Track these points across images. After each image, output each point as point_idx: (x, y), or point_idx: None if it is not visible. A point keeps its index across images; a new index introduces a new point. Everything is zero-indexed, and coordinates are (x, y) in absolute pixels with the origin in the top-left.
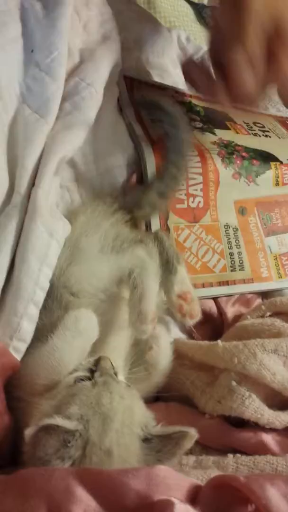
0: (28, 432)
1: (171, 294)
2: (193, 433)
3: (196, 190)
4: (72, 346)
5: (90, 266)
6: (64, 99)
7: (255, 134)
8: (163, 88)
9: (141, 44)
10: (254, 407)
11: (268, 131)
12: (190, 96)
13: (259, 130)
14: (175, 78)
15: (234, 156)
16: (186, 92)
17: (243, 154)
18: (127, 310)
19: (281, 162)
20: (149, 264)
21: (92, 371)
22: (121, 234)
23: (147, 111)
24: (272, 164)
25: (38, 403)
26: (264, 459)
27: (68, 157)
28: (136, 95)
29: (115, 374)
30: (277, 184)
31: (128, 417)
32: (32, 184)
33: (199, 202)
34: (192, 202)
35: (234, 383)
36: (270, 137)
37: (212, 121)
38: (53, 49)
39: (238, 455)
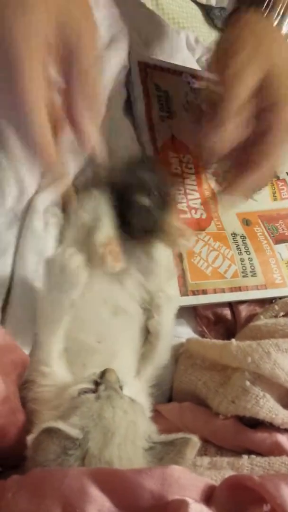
0: (31, 436)
1: None
2: (196, 440)
3: (196, 204)
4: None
5: None
6: None
7: None
8: (179, 73)
9: (150, 46)
10: (268, 407)
11: None
12: (208, 79)
13: None
14: None
15: (229, 174)
16: (204, 76)
17: None
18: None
19: (278, 178)
20: None
21: (97, 384)
22: None
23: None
24: None
25: (41, 413)
26: (279, 460)
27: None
28: (149, 85)
29: (121, 387)
30: (275, 199)
31: (131, 432)
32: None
33: (202, 214)
34: (195, 213)
35: (248, 383)
36: None
37: None
38: None
39: (253, 456)
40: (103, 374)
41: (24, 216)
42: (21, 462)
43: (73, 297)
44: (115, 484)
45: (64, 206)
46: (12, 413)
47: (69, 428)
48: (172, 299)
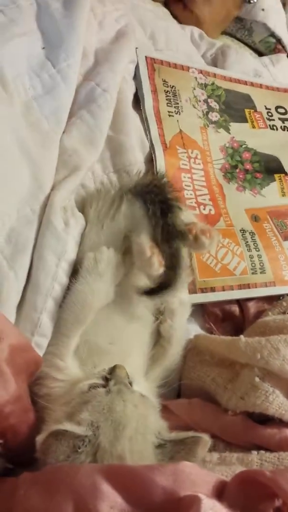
0: (39, 438)
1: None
2: (207, 439)
3: (205, 199)
4: (93, 289)
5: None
6: (80, 105)
7: (272, 127)
8: (186, 68)
9: (156, 40)
10: (278, 403)
11: None
12: (214, 75)
13: (278, 119)
14: None
15: (237, 170)
16: (210, 71)
17: (247, 167)
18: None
19: (286, 173)
20: None
21: (107, 380)
22: None
23: None
24: (276, 176)
25: (52, 410)
26: None
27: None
28: (156, 81)
29: (130, 383)
30: (283, 195)
31: (142, 425)
32: (51, 189)
33: (210, 210)
34: (204, 209)
35: (257, 379)
36: None
37: (231, 109)
38: (70, 54)
39: (262, 451)
40: (112, 370)
41: (43, 214)
42: (32, 460)
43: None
44: (127, 480)
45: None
46: (24, 412)
47: (76, 427)
48: (185, 303)
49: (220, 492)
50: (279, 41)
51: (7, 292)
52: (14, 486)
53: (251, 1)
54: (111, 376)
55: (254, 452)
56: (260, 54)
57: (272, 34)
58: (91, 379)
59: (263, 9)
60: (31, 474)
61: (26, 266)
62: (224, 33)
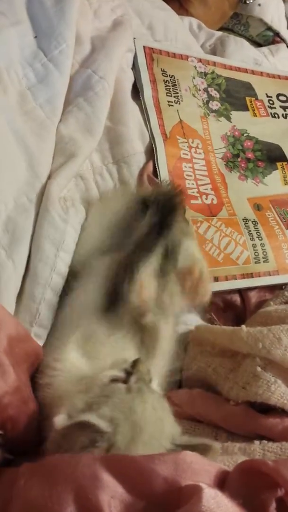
0: (60, 422)
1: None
2: (217, 448)
3: (207, 189)
4: None
5: None
6: (77, 93)
7: (273, 115)
8: (185, 58)
9: (154, 30)
10: (280, 392)
11: None
12: (214, 64)
13: (280, 106)
14: None
15: (239, 159)
16: (210, 60)
17: (249, 155)
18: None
19: None
20: None
21: (127, 373)
22: None
23: None
24: (279, 164)
25: (65, 397)
26: None
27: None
28: (155, 70)
29: (150, 380)
30: (286, 183)
31: (158, 430)
32: (47, 177)
33: (213, 199)
34: (206, 199)
35: (259, 368)
36: None
37: (232, 97)
38: (61, 41)
39: (265, 441)
40: (134, 364)
41: (40, 203)
42: (31, 449)
43: None
44: (127, 470)
45: None
46: (23, 403)
47: (101, 421)
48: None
49: (222, 482)
50: (277, 34)
51: (5, 282)
52: (14, 477)
53: (247, 1)
54: (133, 370)
55: (257, 442)
56: (259, 45)
57: (270, 28)
58: (112, 370)
59: (259, 4)
60: (31, 465)
61: (24, 256)
62: (221, 28)
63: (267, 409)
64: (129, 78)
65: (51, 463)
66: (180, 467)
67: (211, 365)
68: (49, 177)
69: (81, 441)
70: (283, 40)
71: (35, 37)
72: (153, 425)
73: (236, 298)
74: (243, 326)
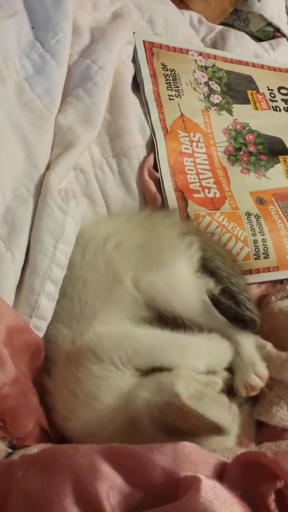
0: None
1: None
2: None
3: (209, 183)
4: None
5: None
6: (76, 84)
7: (275, 108)
8: (185, 51)
9: (154, 24)
10: (281, 415)
11: None
12: (215, 57)
13: (281, 100)
14: None
15: (241, 152)
16: (211, 53)
17: (251, 149)
18: None
19: None
20: None
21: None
22: None
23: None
24: (281, 158)
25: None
26: (286, 442)
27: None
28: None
29: None
30: None
31: None
32: (46, 168)
33: (215, 193)
34: (208, 192)
35: (264, 388)
36: None
37: (233, 90)
38: (58, 30)
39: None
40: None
41: (38, 194)
42: (33, 444)
43: None
44: (126, 460)
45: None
46: (22, 395)
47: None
48: None
49: (221, 473)
50: (277, 30)
51: (4, 274)
52: (12, 468)
53: None
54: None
55: (252, 445)
56: (260, 41)
57: (270, 24)
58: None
59: (259, 0)
60: (30, 455)
61: (23, 247)
62: (221, 24)
63: None
64: (130, 71)
65: (49, 453)
66: (178, 458)
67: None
68: (47, 168)
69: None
70: (283, 35)
71: (32, 28)
72: None
73: None
74: (269, 344)
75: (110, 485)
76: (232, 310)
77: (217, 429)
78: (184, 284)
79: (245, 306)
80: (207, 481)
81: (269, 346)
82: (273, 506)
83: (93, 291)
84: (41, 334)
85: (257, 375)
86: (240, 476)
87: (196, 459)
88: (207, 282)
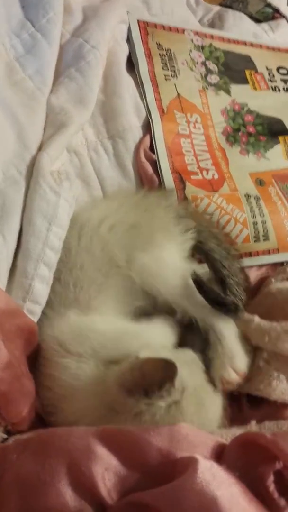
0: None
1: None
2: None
3: (207, 164)
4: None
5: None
6: (68, 64)
7: (274, 88)
8: (181, 31)
9: (150, 4)
10: (281, 389)
11: None
12: (212, 37)
13: (280, 80)
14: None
15: (240, 133)
16: (207, 33)
17: (250, 130)
18: None
19: None
20: None
21: None
22: None
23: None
24: (281, 138)
25: None
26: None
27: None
28: (150, 44)
29: None
30: None
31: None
32: (38, 149)
33: (213, 174)
34: (207, 174)
35: (261, 362)
36: None
37: (231, 70)
38: (48, 9)
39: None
40: None
41: (30, 175)
42: (28, 429)
43: None
44: (122, 442)
45: None
46: (16, 379)
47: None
48: None
49: (219, 454)
50: (277, 11)
51: None
52: (6, 451)
53: None
54: None
55: (253, 422)
56: (259, 22)
57: (269, 5)
58: None
59: None
60: (23, 439)
61: (15, 230)
62: (220, 5)
63: None
64: (124, 51)
65: (43, 436)
66: (175, 439)
67: None
68: (39, 149)
69: (155, 379)
70: (283, 16)
71: (23, 7)
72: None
73: None
74: (256, 317)
75: (106, 467)
76: (213, 293)
77: (167, 365)
78: (171, 268)
79: (231, 290)
80: (204, 462)
81: (257, 319)
82: (272, 487)
83: (90, 277)
84: (35, 319)
85: (235, 369)
86: (238, 457)
87: (194, 440)
88: (196, 267)
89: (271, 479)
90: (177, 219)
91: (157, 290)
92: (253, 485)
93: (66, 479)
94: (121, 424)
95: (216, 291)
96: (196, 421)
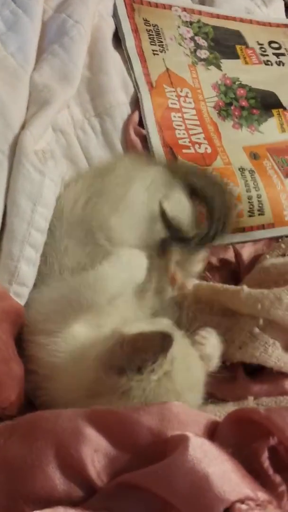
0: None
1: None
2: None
3: (199, 138)
4: (119, 278)
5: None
6: (51, 40)
7: (266, 62)
8: (168, 7)
9: None
10: (277, 355)
11: (283, 54)
12: (200, 13)
13: (273, 54)
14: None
15: (232, 107)
16: (195, 9)
17: (243, 103)
18: None
19: (284, 108)
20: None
21: None
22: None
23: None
24: (274, 111)
25: None
26: (287, 398)
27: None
28: (137, 20)
29: None
30: (283, 131)
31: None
32: (21, 128)
33: (206, 148)
34: (199, 148)
35: (257, 329)
36: (283, 64)
37: (221, 46)
38: None
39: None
40: None
41: (13, 155)
42: (18, 414)
43: None
44: (111, 423)
45: None
46: (3, 363)
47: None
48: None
49: (212, 432)
50: None
51: None
52: None
53: None
54: None
55: (251, 398)
56: None
57: None
58: None
59: None
60: (12, 423)
61: None
62: None
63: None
64: (110, 26)
65: (31, 420)
66: (166, 418)
67: (209, 325)
68: (23, 128)
69: (148, 353)
70: None
71: None
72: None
73: (231, 254)
74: (244, 287)
75: (95, 448)
76: (174, 223)
77: (163, 337)
78: (135, 206)
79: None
80: (195, 439)
81: (246, 288)
82: (266, 463)
83: (75, 259)
84: (22, 301)
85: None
86: (232, 434)
87: (185, 418)
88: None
89: (265, 455)
90: (140, 169)
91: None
92: (248, 462)
93: (54, 462)
94: (107, 404)
95: (178, 226)
96: (186, 386)
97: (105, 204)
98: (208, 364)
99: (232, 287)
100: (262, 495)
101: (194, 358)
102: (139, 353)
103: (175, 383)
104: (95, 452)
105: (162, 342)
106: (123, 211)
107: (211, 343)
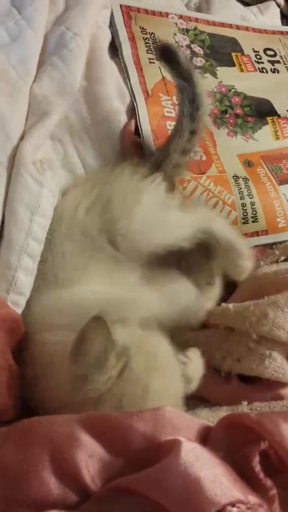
0: None
1: None
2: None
3: None
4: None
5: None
6: (51, 52)
7: (261, 69)
8: (165, 15)
9: None
10: (274, 366)
11: (278, 62)
12: (196, 20)
13: (268, 61)
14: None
15: (227, 115)
16: (192, 16)
17: (237, 111)
18: None
19: (279, 116)
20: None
21: None
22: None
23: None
24: (269, 119)
25: None
26: (280, 403)
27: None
28: (133, 28)
29: None
30: (277, 138)
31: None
32: (20, 139)
33: (201, 156)
34: (194, 156)
35: (252, 344)
36: (278, 71)
37: (217, 53)
38: None
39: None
40: None
41: (12, 166)
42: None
43: None
44: (105, 428)
45: None
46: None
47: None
48: None
49: (205, 437)
50: None
51: None
52: None
53: None
54: None
55: (244, 403)
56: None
57: None
58: None
59: None
60: (6, 429)
61: None
62: None
63: None
64: (106, 36)
65: (26, 425)
66: (159, 423)
67: (204, 332)
68: (22, 139)
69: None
70: None
71: None
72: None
73: None
74: (230, 305)
75: (89, 453)
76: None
77: (95, 320)
78: (157, 212)
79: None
80: (188, 443)
81: (231, 306)
82: (258, 468)
83: (72, 263)
84: (19, 310)
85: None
86: (224, 438)
87: (178, 423)
88: None
89: (256, 460)
90: (143, 178)
91: (155, 244)
92: (239, 466)
93: (49, 467)
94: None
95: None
96: (155, 372)
97: (114, 211)
98: (186, 386)
99: (219, 307)
100: (253, 499)
101: (175, 369)
102: (86, 351)
103: (138, 370)
104: (90, 457)
105: (97, 326)
106: (140, 216)
107: (193, 365)
